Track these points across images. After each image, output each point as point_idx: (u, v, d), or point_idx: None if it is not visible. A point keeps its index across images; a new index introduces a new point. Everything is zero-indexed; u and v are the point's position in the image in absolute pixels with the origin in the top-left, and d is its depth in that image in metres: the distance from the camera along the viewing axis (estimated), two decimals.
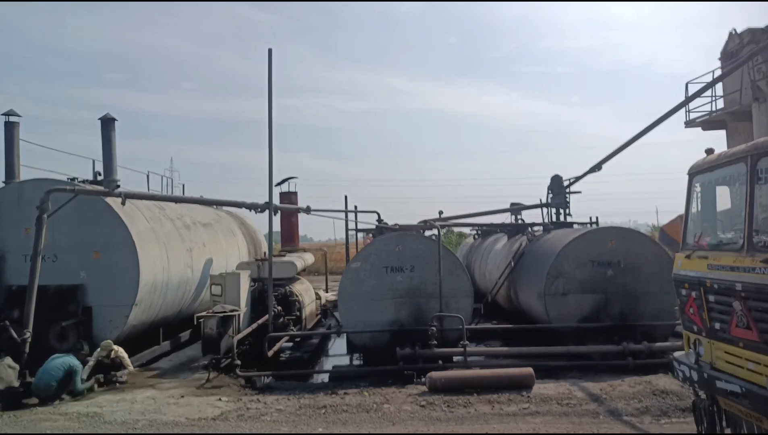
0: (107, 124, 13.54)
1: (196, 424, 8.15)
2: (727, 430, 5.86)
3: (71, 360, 9.77)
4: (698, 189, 6.39)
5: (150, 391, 10.10)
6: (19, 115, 13.84)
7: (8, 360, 9.72)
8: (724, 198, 6.13)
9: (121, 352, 10.96)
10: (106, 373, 10.59)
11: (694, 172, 6.42)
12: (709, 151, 6.27)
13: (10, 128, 13.70)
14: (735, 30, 18.73)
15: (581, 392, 9.17)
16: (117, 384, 10.51)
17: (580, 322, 11.85)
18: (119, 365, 10.78)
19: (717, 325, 5.54)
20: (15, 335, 10.10)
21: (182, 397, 9.65)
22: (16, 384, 9.52)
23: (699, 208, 6.45)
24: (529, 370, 9.69)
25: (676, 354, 6.37)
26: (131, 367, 11.05)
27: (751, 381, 5.02)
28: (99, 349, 10.76)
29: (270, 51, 12.97)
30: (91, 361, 10.58)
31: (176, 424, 8.20)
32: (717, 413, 5.84)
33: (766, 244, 5.04)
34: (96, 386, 10.26)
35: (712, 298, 5.57)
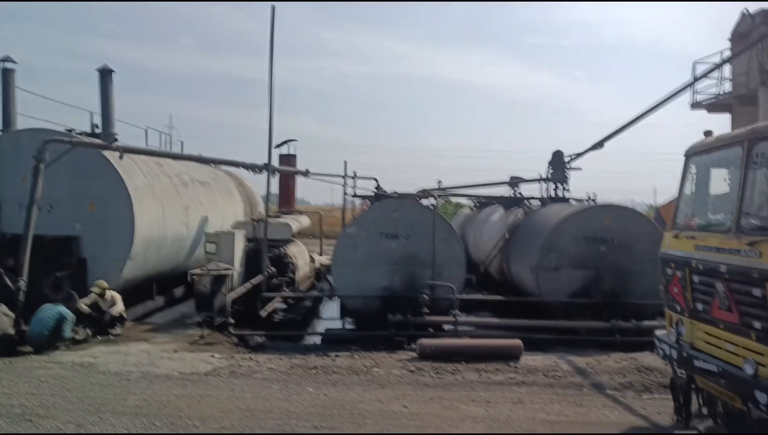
0: (105, 75, 13.33)
1: (188, 378, 8.30)
2: (703, 409, 6.04)
3: (62, 309, 9.86)
4: (693, 170, 6.40)
5: (144, 345, 10.24)
6: (15, 62, 13.60)
7: (3, 308, 9.80)
8: (719, 182, 6.14)
9: (116, 296, 11.07)
10: (99, 327, 10.70)
11: (690, 154, 6.42)
12: (708, 134, 6.27)
13: (7, 75, 13.47)
14: (747, 10, 18.42)
15: (567, 365, 9.34)
16: (111, 336, 10.64)
17: (570, 297, 11.98)
18: (110, 321, 10.86)
19: (699, 306, 5.62)
20: (9, 283, 10.17)
21: (175, 351, 9.79)
22: (12, 331, 9.63)
23: (693, 190, 6.47)
24: (518, 341, 9.85)
25: (658, 332, 6.51)
26: (123, 313, 11.15)
27: (728, 362, 5.12)
28: (93, 288, 10.89)
29: (273, 8, 12.72)
30: (87, 301, 10.76)
31: (168, 377, 8.34)
32: (694, 391, 5.99)
33: (755, 227, 5.07)
34: (90, 337, 10.38)
35: (696, 278, 5.63)
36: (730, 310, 5.10)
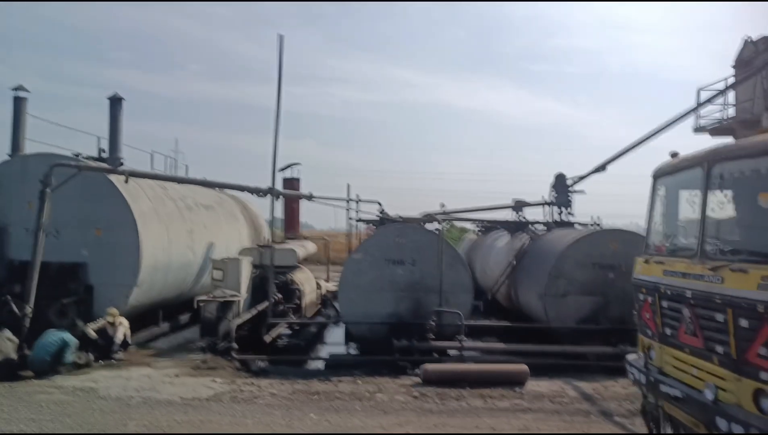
0: (115, 103, 13.58)
1: (189, 404, 8.20)
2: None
3: (65, 335, 9.84)
4: (662, 192, 6.29)
5: (146, 369, 10.15)
6: (27, 91, 13.88)
7: (7, 333, 9.81)
8: (687, 204, 5.98)
9: (124, 322, 11.04)
10: (102, 352, 10.64)
11: (658, 175, 6.31)
12: (674, 154, 6.13)
13: (18, 103, 13.76)
14: (750, 38, 18.55)
15: (574, 391, 9.17)
16: (113, 361, 10.57)
17: (578, 323, 11.83)
18: (115, 346, 10.80)
19: (668, 331, 5.53)
20: (16, 309, 10.17)
21: (177, 376, 9.70)
22: (14, 356, 9.60)
23: (662, 213, 6.35)
24: (524, 366, 9.70)
25: (629, 357, 6.39)
26: (128, 338, 11.09)
27: (692, 386, 5.02)
28: (107, 317, 10.91)
29: (281, 37, 12.97)
30: (95, 326, 10.78)
31: (170, 402, 8.24)
32: (664, 418, 5.81)
33: (718, 251, 5.00)
34: (92, 361, 10.32)
35: (665, 303, 5.56)
36: (695, 335, 5.03)
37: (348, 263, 12.77)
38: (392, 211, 15.71)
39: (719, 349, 4.69)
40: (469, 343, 11.67)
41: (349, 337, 13.70)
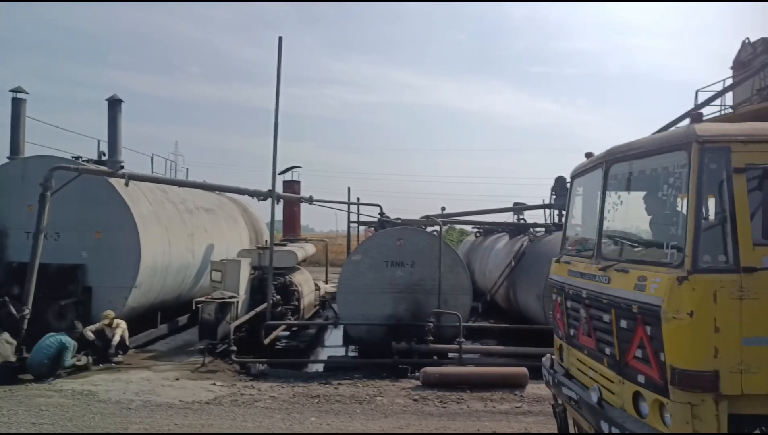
0: (114, 105, 13.54)
1: (189, 407, 8.19)
2: None
3: (64, 338, 9.83)
4: (578, 192, 6.29)
5: (145, 373, 10.15)
6: (26, 93, 13.86)
7: (6, 335, 9.78)
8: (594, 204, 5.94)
9: (122, 324, 11.02)
10: (101, 355, 10.63)
11: (574, 176, 6.29)
12: (588, 155, 6.12)
13: (17, 105, 13.72)
14: (748, 39, 18.59)
15: None
16: (113, 364, 10.56)
17: None
18: (113, 348, 10.77)
19: (572, 332, 5.55)
20: (14, 311, 10.16)
21: (177, 379, 9.69)
22: (13, 359, 9.58)
23: (577, 213, 6.35)
24: (524, 369, 9.70)
25: (544, 358, 6.42)
26: (127, 341, 11.07)
27: (588, 388, 5.02)
28: (103, 320, 10.87)
29: (280, 39, 12.98)
30: (93, 328, 10.73)
31: (170, 406, 8.24)
32: (569, 419, 5.83)
33: (612, 252, 5.00)
34: (91, 364, 10.30)
35: (569, 304, 5.58)
36: (590, 336, 5.05)
37: (347, 265, 12.77)
38: (392, 214, 15.73)
39: (607, 350, 4.72)
40: (468, 345, 11.68)
41: (348, 339, 13.70)
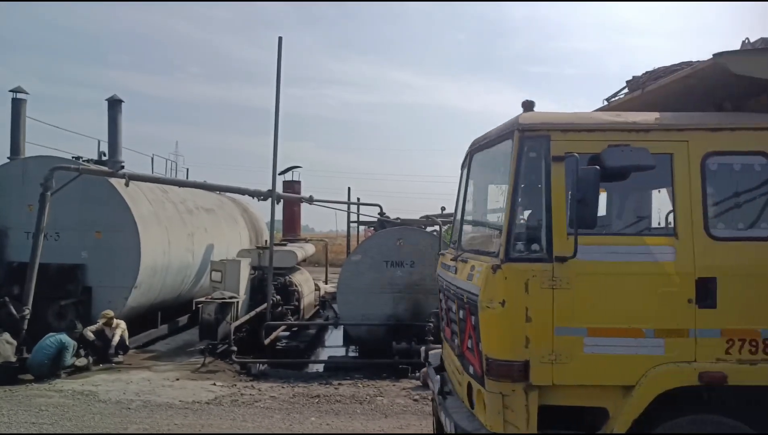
0: (114, 105, 13.55)
1: (189, 407, 8.19)
2: None
3: (63, 337, 9.83)
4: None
5: (145, 373, 10.15)
6: (26, 93, 13.87)
7: (6, 336, 9.78)
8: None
9: (122, 324, 11.02)
10: (101, 355, 10.63)
11: (462, 166, 5.97)
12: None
13: (17, 105, 13.73)
14: (748, 39, 18.59)
15: None
16: (113, 364, 10.56)
17: None
18: (113, 349, 10.75)
19: (443, 325, 5.54)
20: (14, 311, 10.16)
21: (177, 380, 9.69)
22: (13, 359, 9.59)
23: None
24: None
25: (422, 349, 6.41)
26: (126, 341, 11.06)
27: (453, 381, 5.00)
28: (100, 320, 10.87)
29: (280, 39, 12.99)
30: (93, 328, 10.74)
31: (170, 406, 8.24)
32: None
33: (467, 243, 4.98)
34: (91, 364, 10.30)
35: (441, 296, 5.54)
36: (448, 327, 5.07)
37: (347, 265, 12.77)
38: (392, 214, 15.75)
39: (456, 341, 4.74)
40: None
41: (348, 339, 13.70)
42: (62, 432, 7.10)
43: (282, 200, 17.16)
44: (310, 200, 17.43)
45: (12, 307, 10.27)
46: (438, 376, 5.02)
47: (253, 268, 13.96)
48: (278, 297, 13.78)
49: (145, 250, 11.99)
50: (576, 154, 3.90)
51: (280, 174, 19.30)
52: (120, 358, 10.82)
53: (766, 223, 4.18)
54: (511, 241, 4.08)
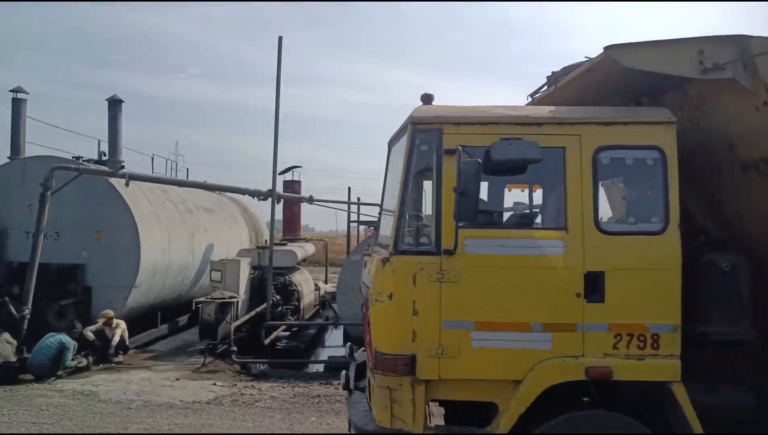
0: (114, 105, 13.57)
1: (190, 407, 8.20)
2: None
3: (64, 338, 9.83)
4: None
5: (146, 373, 10.15)
6: (26, 93, 13.88)
7: (6, 335, 9.78)
8: None
9: (122, 324, 11.02)
10: (101, 355, 10.63)
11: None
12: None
13: (18, 105, 13.75)
14: None
15: None
16: (113, 364, 10.57)
17: None
18: (113, 349, 10.74)
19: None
20: (14, 311, 10.16)
21: (177, 379, 9.69)
22: (13, 359, 9.59)
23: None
24: None
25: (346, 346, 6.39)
26: (126, 341, 11.06)
27: None
28: (99, 319, 10.87)
29: (280, 39, 12.99)
30: (93, 328, 10.73)
31: (170, 406, 8.24)
32: None
33: (381, 237, 4.93)
34: (91, 364, 10.31)
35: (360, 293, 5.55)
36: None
37: (347, 265, 12.78)
38: None
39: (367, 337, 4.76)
40: None
41: (348, 339, 13.67)
42: (62, 432, 7.10)
43: (282, 200, 17.18)
44: (310, 200, 17.45)
45: (12, 307, 10.27)
46: (344, 372, 5.06)
47: (253, 267, 13.95)
48: (278, 297, 13.77)
49: (145, 250, 11.99)
50: (459, 147, 3.89)
51: (280, 174, 19.30)
52: (120, 358, 10.81)
53: (657, 217, 4.14)
54: (400, 234, 4.08)
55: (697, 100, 4.43)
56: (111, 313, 10.99)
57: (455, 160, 3.86)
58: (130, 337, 11.39)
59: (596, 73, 4.39)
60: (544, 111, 4.26)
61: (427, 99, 4.42)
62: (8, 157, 13.55)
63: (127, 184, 12.04)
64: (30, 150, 13.72)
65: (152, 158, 18.51)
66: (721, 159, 4.53)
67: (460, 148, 3.88)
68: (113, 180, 12.07)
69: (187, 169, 22.57)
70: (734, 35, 3.94)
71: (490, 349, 3.97)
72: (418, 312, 3.95)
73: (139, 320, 12.71)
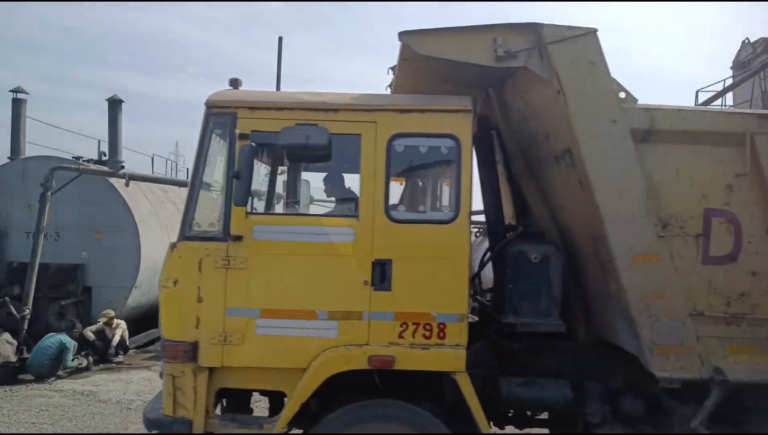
0: (114, 105, 13.56)
1: None
2: None
3: (64, 338, 9.82)
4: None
5: (146, 373, 10.14)
6: (26, 93, 13.88)
7: (6, 335, 9.78)
8: None
9: (122, 324, 11.01)
10: (101, 355, 10.64)
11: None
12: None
13: (17, 105, 13.74)
14: (748, 39, 18.61)
15: None
16: (113, 364, 10.56)
17: None
18: (113, 349, 10.74)
19: None
20: (14, 311, 10.16)
21: None
22: (13, 359, 9.59)
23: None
24: None
25: None
26: (127, 341, 11.06)
27: None
28: (100, 319, 10.86)
29: (280, 39, 13.00)
30: (93, 328, 10.74)
31: None
32: None
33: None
34: (91, 365, 10.31)
35: None
36: None
37: None
38: None
39: None
40: None
41: None
42: (62, 432, 7.10)
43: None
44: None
45: (12, 307, 10.27)
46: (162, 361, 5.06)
47: None
48: None
49: (145, 250, 11.98)
50: (237, 132, 3.89)
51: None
52: (120, 358, 10.81)
53: (449, 206, 4.15)
54: (188, 220, 4.06)
55: (521, 91, 4.42)
56: (112, 313, 10.98)
57: (249, 145, 3.85)
58: (130, 337, 11.38)
59: (410, 61, 4.31)
60: (344, 97, 4.21)
61: (234, 83, 4.36)
62: (8, 157, 13.54)
63: (127, 184, 12.04)
64: (30, 150, 13.73)
65: (152, 158, 18.53)
66: (543, 151, 4.54)
67: (237, 132, 3.89)
68: (113, 180, 12.06)
69: (187, 169, 22.57)
70: (528, 23, 3.91)
71: (276, 337, 3.94)
72: (203, 299, 3.93)
73: (139, 320, 12.71)
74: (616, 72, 3.94)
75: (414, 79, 4.75)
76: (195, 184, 4.12)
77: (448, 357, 3.96)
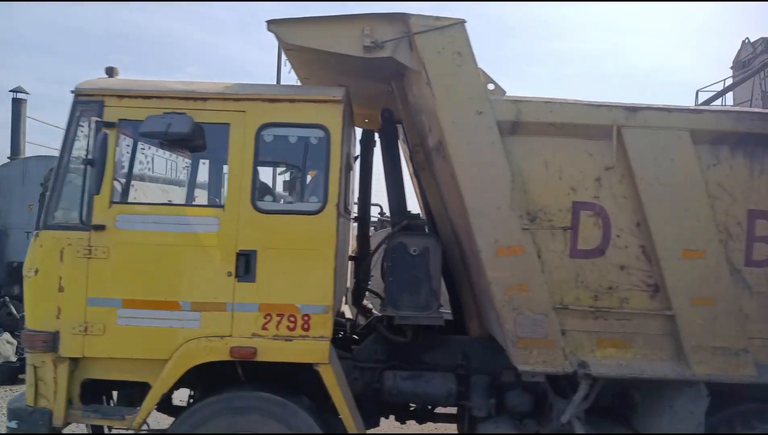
0: None
1: None
2: None
3: None
4: None
5: None
6: (26, 93, 13.89)
7: (6, 335, 9.79)
8: None
9: None
10: None
11: None
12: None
13: (17, 105, 13.76)
14: (748, 39, 18.63)
15: None
16: None
17: None
18: None
19: None
20: (14, 311, 10.17)
21: None
22: (13, 359, 9.58)
23: None
24: None
25: None
26: None
27: None
28: None
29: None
30: None
31: None
32: None
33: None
34: None
35: None
36: None
37: None
38: None
39: None
40: None
41: None
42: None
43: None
44: None
45: (12, 307, 10.29)
46: None
47: None
48: None
49: None
50: (95, 119, 3.89)
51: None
52: None
53: (317, 197, 4.13)
54: (51, 208, 4.04)
55: (410, 83, 4.39)
56: None
57: (116, 134, 3.88)
58: None
59: (294, 52, 4.30)
60: (215, 87, 4.18)
61: (109, 71, 4.34)
62: (8, 157, 13.57)
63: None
64: (30, 150, 13.75)
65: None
66: (431, 144, 4.52)
67: (95, 119, 3.89)
68: None
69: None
70: (397, 13, 3.87)
71: (138, 327, 3.93)
72: (64, 288, 3.92)
73: None
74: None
75: (322, 73, 4.75)
76: (59, 173, 4.14)
77: (311, 349, 3.95)
